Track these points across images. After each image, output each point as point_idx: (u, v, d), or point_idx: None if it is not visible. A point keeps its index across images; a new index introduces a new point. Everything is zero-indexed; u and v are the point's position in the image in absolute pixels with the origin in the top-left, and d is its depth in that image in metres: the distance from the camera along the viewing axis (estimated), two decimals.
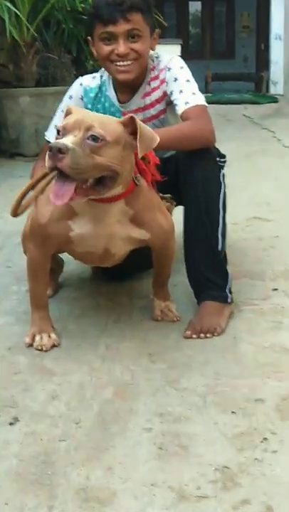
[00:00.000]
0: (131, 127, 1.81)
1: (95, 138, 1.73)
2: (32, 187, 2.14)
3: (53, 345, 2.07)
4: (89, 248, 2.01)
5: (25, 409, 1.73)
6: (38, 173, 2.15)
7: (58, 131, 1.76)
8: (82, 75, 2.50)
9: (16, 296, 2.49)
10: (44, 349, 2.04)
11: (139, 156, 1.82)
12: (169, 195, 2.25)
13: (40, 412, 1.71)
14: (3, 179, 4.74)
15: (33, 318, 2.14)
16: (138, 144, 1.78)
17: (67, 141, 1.69)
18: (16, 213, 2.14)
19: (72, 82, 2.48)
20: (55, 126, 1.76)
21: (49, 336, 2.09)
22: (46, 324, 2.12)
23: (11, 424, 1.66)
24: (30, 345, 2.07)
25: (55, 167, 1.69)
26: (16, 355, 2.03)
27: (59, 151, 1.66)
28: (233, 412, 1.68)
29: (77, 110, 1.88)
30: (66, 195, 1.72)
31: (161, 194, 2.17)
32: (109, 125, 1.78)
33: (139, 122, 1.80)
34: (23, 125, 5.57)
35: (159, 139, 1.87)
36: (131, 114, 1.84)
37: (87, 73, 2.52)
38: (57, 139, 1.74)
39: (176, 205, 2.49)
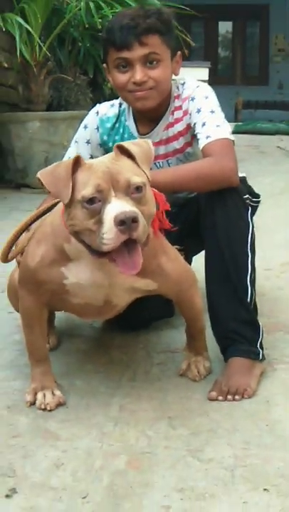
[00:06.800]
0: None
1: (138, 188, 1.71)
2: (27, 227, 2.10)
3: (58, 404, 2.04)
4: (87, 299, 1.98)
5: (24, 479, 1.69)
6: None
7: (91, 200, 1.68)
8: (99, 101, 2.50)
9: (17, 346, 2.47)
10: (48, 408, 2.01)
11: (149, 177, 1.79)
12: (177, 246, 2.20)
13: (42, 483, 1.67)
14: (7, 213, 4.76)
15: (34, 374, 2.12)
16: (140, 165, 1.76)
17: (128, 206, 1.66)
18: (5, 258, 2.10)
19: (88, 107, 2.49)
20: (82, 197, 1.70)
21: (53, 394, 2.06)
22: (49, 380, 2.10)
23: (7, 496, 1.62)
24: (32, 403, 2.05)
25: (127, 239, 1.66)
26: (15, 415, 2.00)
27: (134, 221, 1.64)
28: (265, 490, 1.63)
29: (85, 165, 1.76)
30: (137, 261, 1.71)
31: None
32: (132, 166, 1.76)
33: (126, 144, 1.79)
34: (32, 153, 5.62)
35: (152, 146, 1.86)
36: (116, 143, 1.82)
37: (104, 96, 2.53)
38: (93, 208, 1.68)
39: (197, 252, 2.47)
